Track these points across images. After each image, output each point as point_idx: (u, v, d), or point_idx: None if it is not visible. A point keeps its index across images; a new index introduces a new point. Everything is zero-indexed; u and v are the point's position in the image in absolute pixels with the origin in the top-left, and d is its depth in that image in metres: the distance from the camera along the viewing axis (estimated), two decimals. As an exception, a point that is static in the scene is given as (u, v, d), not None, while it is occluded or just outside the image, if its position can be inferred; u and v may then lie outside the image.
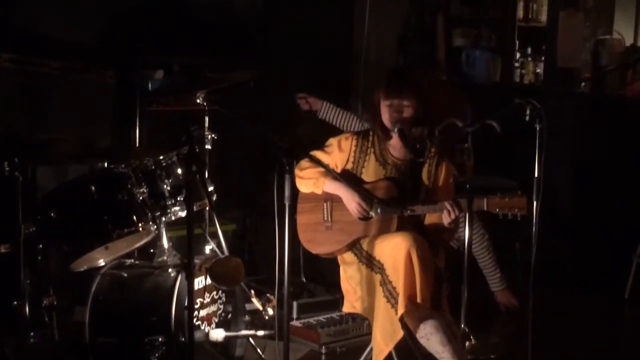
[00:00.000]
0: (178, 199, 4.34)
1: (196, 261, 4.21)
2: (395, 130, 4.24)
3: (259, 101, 6.06)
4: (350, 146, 4.36)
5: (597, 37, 6.65)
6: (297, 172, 4.28)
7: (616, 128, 6.14)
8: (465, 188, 4.78)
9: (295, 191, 4.09)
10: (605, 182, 6.12)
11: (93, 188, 4.18)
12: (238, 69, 5.65)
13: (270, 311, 4.55)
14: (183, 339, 4.04)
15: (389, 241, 4.12)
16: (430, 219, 4.29)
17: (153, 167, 4.34)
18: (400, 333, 4.03)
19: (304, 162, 4.33)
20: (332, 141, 4.41)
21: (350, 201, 4.25)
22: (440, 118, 4.89)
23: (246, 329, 4.45)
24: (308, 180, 4.35)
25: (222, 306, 4.47)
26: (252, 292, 4.69)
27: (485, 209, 4.12)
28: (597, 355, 5.04)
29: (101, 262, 4.39)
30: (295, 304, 5.24)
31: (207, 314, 4.36)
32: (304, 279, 5.54)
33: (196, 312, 4.22)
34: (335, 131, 4.53)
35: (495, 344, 4.94)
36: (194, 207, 4.31)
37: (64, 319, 4.43)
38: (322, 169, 4.28)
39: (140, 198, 4.26)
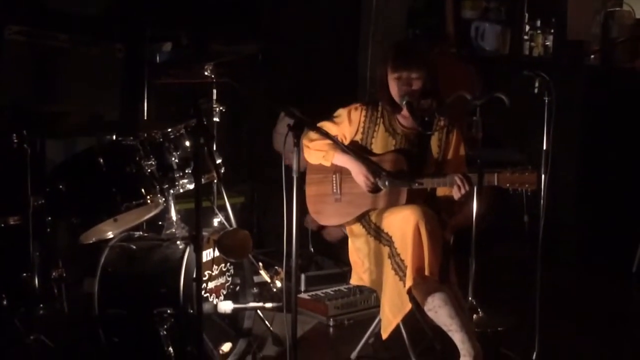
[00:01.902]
0: (186, 171, 4.34)
1: (204, 234, 4.21)
2: (404, 103, 4.23)
3: (267, 74, 6.05)
4: (360, 117, 4.35)
5: (606, 9, 6.61)
6: (305, 142, 4.28)
7: (626, 100, 6.11)
8: (476, 162, 4.77)
9: (303, 164, 4.09)
10: (614, 156, 6.11)
11: (101, 161, 4.18)
12: (246, 41, 5.64)
13: (278, 283, 4.56)
14: (191, 311, 4.06)
15: (398, 214, 4.12)
16: (442, 190, 4.28)
17: (161, 139, 4.34)
18: (409, 306, 4.04)
19: (313, 133, 4.33)
20: (342, 112, 4.40)
21: (358, 174, 4.25)
22: (449, 91, 4.87)
23: (254, 301, 4.47)
24: (317, 152, 4.34)
25: (230, 278, 4.49)
26: (260, 264, 4.70)
27: (496, 184, 4.12)
28: (604, 328, 5.05)
29: (110, 235, 4.41)
30: (303, 276, 5.26)
31: (216, 286, 4.37)
32: (312, 249, 5.55)
33: (204, 285, 4.23)
34: (345, 104, 4.52)
35: (502, 317, 4.95)
36: (202, 180, 4.32)
37: (73, 291, 4.46)
38: (331, 141, 4.27)
39: (149, 170, 4.26)
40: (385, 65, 4.30)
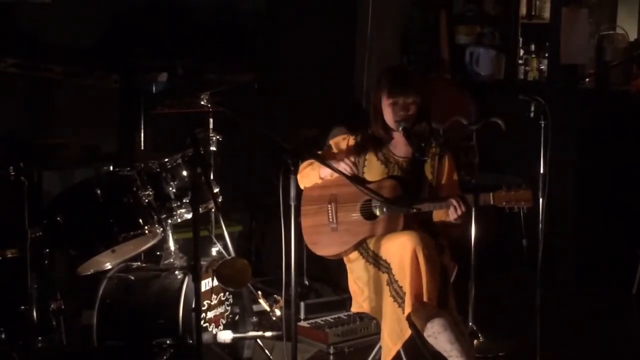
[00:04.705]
0: (184, 201, 4.35)
1: (203, 263, 4.21)
2: (400, 129, 4.23)
3: (263, 102, 6.07)
4: (350, 148, 4.34)
5: (600, 32, 6.63)
6: (298, 176, 4.25)
7: (621, 123, 6.13)
8: (471, 185, 4.77)
9: (300, 192, 4.09)
10: (610, 178, 6.11)
11: (99, 192, 4.19)
12: (241, 70, 5.66)
13: (278, 312, 4.55)
14: (191, 341, 4.05)
15: (395, 240, 4.11)
16: (438, 215, 4.28)
17: (158, 169, 4.35)
18: (408, 332, 4.03)
19: (302, 165, 4.32)
20: (331, 143, 4.40)
21: (339, 165, 4.23)
22: (445, 116, 4.88)
23: (254, 330, 4.45)
24: (304, 171, 4.32)
25: (229, 308, 4.48)
26: (259, 293, 4.69)
27: (491, 203, 4.10)
28: (605, 352, 5.03)
29: (108, 266, 4.40)
30: (302, 304, 5.24)
31: (215, 316, 4.36)
32: (306, 282, 5.53)
33: (203, 314, 4.22)
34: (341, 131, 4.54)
35: (503, 341, 4.94)
36: (200, 209, 4.33)
37: (72, 323, 4.45)
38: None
39: (146, 201, 4.26)
40: (379, 91, 4.30)
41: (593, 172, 6.17)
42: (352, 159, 4.30)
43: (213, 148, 4.99)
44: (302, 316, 5.19)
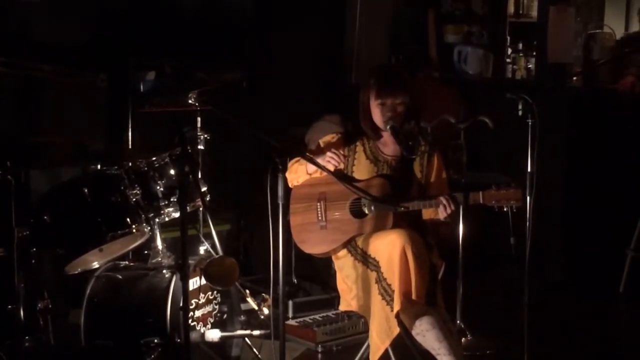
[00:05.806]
0: (171, 200, 4.34)
1: (191, 262, 4.21)
2: (388, 128, 4.23)
3: (252, 101, 6.06)
4: (338, 146, 4.33)
5: (588, 31, 6.66)
6: (287, 175, 4.25)
7: (608, 122, 6.14)
8: (461, 184, 4.78)
9: (288, 190, 4.09)
10: (598, 176, 6.13)
11: (86, 190, 4.18)
12: (230, 69, 5.65)
13: (266, 310, 4.55)
14: (179, 340, 4.04)
15: (384, 238, 4.11)
16: (427, 213, 4.28)
17: (146, 168, 4.34)
18: (397, 330, 4.03)
19: (289, 164, 4.32)
20: (319, 142, 4.40)
21: (325, 158, 4.23)
22: (433, 115, 4.89)
23: (242, 328, 4.45)
24: (293, 167, 4.32)
25: (217, 306, 4.47)
26: (247, 291, 4.69)
27: (481, 202, 4.11)
28: (592, 349, 5.05)
29: (95, 265, 4.39)
30: (290, 303, 5.24)
31: (203, 315, 4.36)
32: (295, 280, 5.53)
33: (191, 313, 4.22)
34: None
35: (491, 339, 4.95)
36: (188, 208, 4.32)
37: (59, 322, 4.44)
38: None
39: (134, 200, 4.26)
40: (367, 90, 4.30)
41: (581, 170, 6.19)
42: (342, 151, 4.31)
43: (201, 147, 4.99)
44: (290, 315, 5.19)
